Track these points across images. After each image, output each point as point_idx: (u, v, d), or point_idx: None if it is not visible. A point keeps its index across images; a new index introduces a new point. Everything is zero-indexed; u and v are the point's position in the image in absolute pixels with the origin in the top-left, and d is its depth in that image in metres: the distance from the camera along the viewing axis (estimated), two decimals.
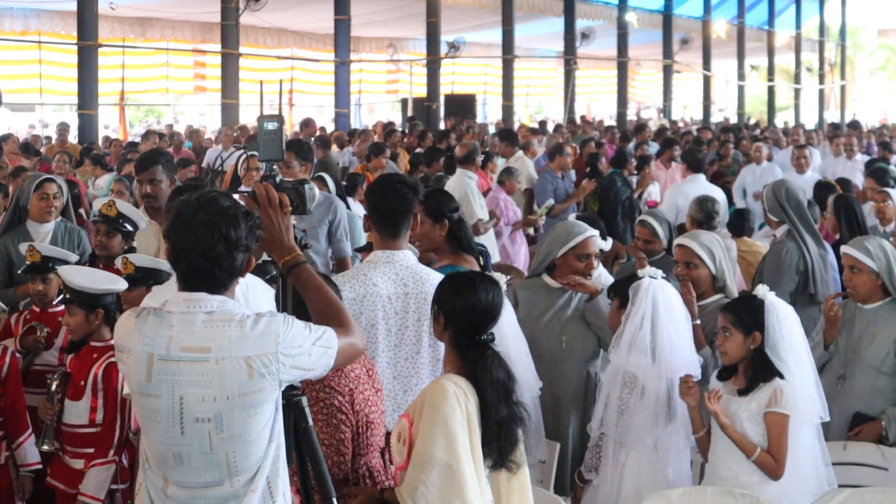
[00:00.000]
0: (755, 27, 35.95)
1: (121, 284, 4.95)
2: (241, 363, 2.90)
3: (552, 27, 27.36)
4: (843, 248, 5.23)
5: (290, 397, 3.18)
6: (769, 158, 13.09)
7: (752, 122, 31.60)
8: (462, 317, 3.57)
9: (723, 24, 32.79)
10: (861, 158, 13.23)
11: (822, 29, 41.04)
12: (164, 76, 24.48)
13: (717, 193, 9.52)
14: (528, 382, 4.63)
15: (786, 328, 4.34)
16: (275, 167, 3.46)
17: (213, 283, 2.95)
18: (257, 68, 25.18)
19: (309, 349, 2.97)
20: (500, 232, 9.98)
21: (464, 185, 10.00)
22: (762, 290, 4.39)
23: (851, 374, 5.06)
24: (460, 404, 3.42)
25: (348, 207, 8.82)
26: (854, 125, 21.21)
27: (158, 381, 2.92)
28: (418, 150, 15.32)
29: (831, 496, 4.11)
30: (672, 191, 10.86)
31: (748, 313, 4.37)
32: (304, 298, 3.19)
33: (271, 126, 3.43)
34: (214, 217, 2.92)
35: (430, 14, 22.59)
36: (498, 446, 3.50)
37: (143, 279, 5.02)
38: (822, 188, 9.00)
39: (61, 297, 5.31)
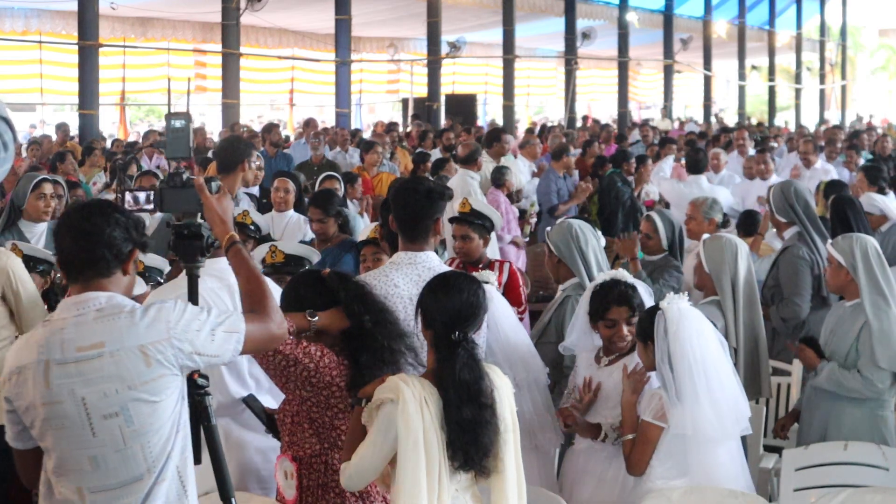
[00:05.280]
0: (756, 27, 35.93)
1: None
2: (136, 352, 2.93)
3: (553, 27, 27.35)
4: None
5: (195, 396, 3.19)
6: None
7: (755, 122, 31.55)
8: (437, 316, 3.56)
9: (723, 24, 32.78)
10: (821, 167, 12.26)
11: (822, 29, 41.02)
12: (164, 76, 24.49)
13: (720, 194, 9.48)
14: (534, 371, 4.71)
15: (680, 340, 4.26)
16: (181, 165, 3.48)
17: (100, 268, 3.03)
18: (258, 68, 25.20)
19: (209, 335, 3.00)
20: (500, 235, 9.95)
21: (466, 184, 10.02)
22: (667, 300, 4.36)
23: (823, 370, 5.12)
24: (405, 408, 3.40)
25: (345, 206, 8.85)
26: (837, 127, 20.54)
27: (58, 385, 2.93)
28: (419, 149, 15.31)
29: (832, 496, 4.10)
30: (671, 191, 10.79)
31: (645, 322, 4.40)
32: (237, 279, 3.28)
33: (178, 124, 3.45)
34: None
35: (431, 14, 22.59)
36: (462, 447, 3.45)
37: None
38: (833, 186, 8.97)
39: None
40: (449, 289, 3.61)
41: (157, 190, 3.41)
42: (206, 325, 3.01)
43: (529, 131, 18.67)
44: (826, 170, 12.07)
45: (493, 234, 9.69)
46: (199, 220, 3.41)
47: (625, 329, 4.62)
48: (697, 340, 4.32)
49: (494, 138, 12.52)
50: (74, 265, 3.04)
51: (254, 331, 3.09)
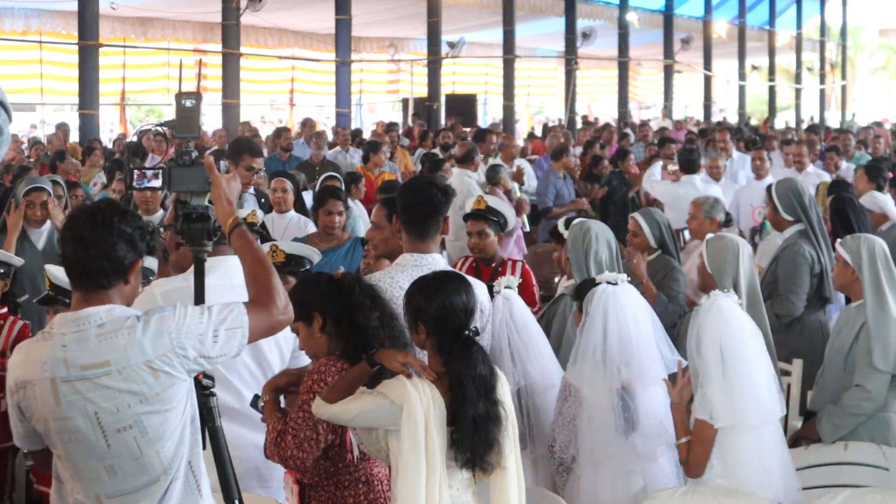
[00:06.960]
0: (756, 27, 35.91)
1: None
2: (143, 368, 2.92)
3: (553, 27, 27.34)
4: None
5: (199, 396, 3.17)
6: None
7: (752, 122, 31.55)
8: (441, 319, 3.53)
9: (724, 24, 32.77)
10: (813, 171, 11.73)
11: (822, 29, 41.00)
12: (164, 76, 24.47)
13: (714, 193, 9.44)
14: (549, 375, 4.70)
15: (704, 329, 4.26)
16: (191, 143, 3.47)
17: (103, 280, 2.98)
18: (258, 68, 25.18)
19: (212, 337, 2.98)
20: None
21: (464, 184, 10.04)
22: (708, 300, 4.33)
23: (830, 370, 5.14)
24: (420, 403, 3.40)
25: (347, 207, 8.85)
26: (813, 129, 20.10)
27: (68, 402, 2.92)
28: (420, 149, 15.31)
29: (831, 496, 4.10)
30: (665, 193, 10.72)
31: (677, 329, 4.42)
32: (241, 261, 3.23)
33: (188, 103, 3.46)
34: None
35: (431, 14, 22.57)
36: (472, 444, 3.45)
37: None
38: (836, 186, 8.96)
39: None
40: (445, 288, 3.58)
41: (165, 168, 3.39)
42: (208, 327, 2.99)
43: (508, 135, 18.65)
44: (819, 174, 11.61)
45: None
46: (206, 203, 3.38)
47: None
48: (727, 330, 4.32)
49: (480, 138, 12.55)
50: (75, 273, 3.01)
51: (258, 322, 3.06)
